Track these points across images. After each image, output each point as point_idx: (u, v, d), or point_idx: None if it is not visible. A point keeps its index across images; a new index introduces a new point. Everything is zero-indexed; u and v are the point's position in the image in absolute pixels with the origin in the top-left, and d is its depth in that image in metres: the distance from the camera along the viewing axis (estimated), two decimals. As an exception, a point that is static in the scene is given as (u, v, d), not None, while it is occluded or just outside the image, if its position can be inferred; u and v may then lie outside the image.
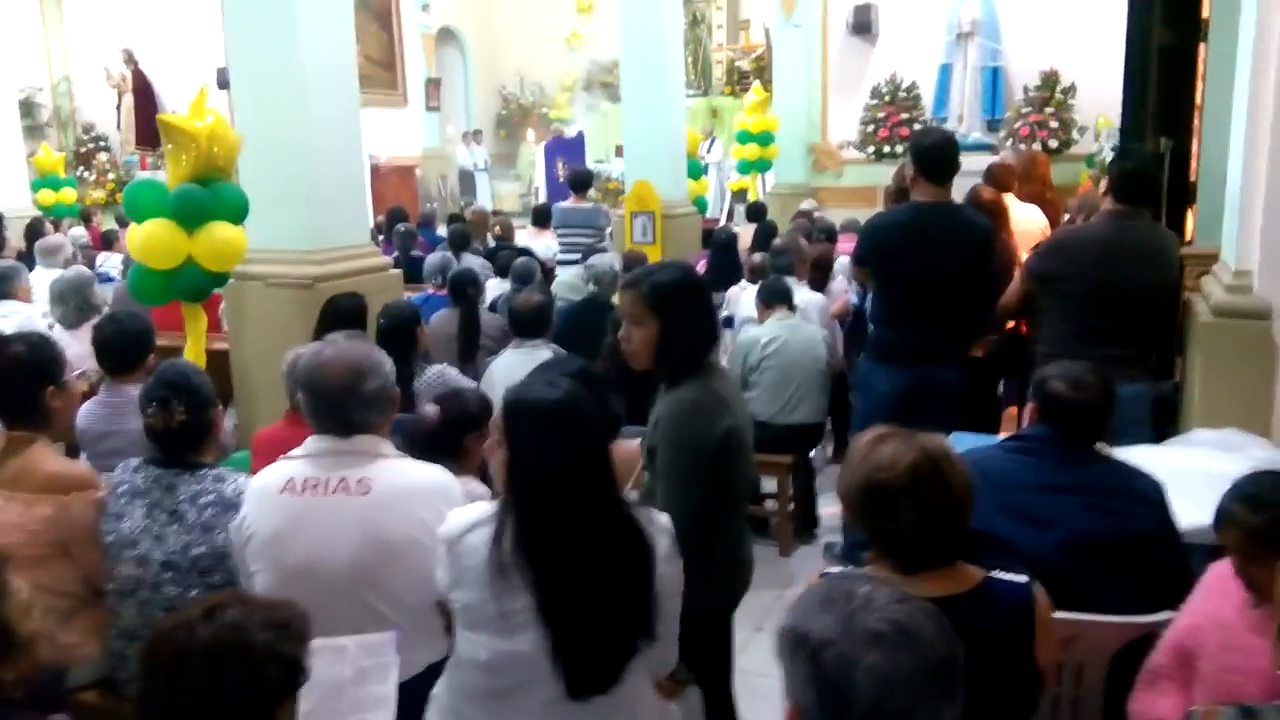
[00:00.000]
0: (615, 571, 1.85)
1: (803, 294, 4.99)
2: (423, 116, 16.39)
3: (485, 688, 1.92)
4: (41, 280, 5.81)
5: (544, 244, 8.11)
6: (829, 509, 4.73)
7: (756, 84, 12.05)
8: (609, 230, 8.13)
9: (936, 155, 3.77)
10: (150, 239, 4.11)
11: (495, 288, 5.92)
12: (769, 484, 4.54)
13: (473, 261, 6.50)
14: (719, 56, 15.49)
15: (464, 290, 5.09)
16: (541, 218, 8.91)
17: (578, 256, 6.87)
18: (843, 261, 5.67)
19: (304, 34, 4.51)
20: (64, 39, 15.34)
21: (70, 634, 2.47)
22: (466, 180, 16.48)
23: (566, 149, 12.76)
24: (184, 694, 1.32)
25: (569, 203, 7.94)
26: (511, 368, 4.08)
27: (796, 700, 1.22)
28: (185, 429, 2.43)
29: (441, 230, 9.34)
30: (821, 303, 5.11)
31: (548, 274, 6.44)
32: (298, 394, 3.02)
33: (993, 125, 11.48)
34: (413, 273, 6.18)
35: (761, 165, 10.98)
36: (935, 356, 3.73)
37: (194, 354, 4.30)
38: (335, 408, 2.22)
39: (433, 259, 6.18)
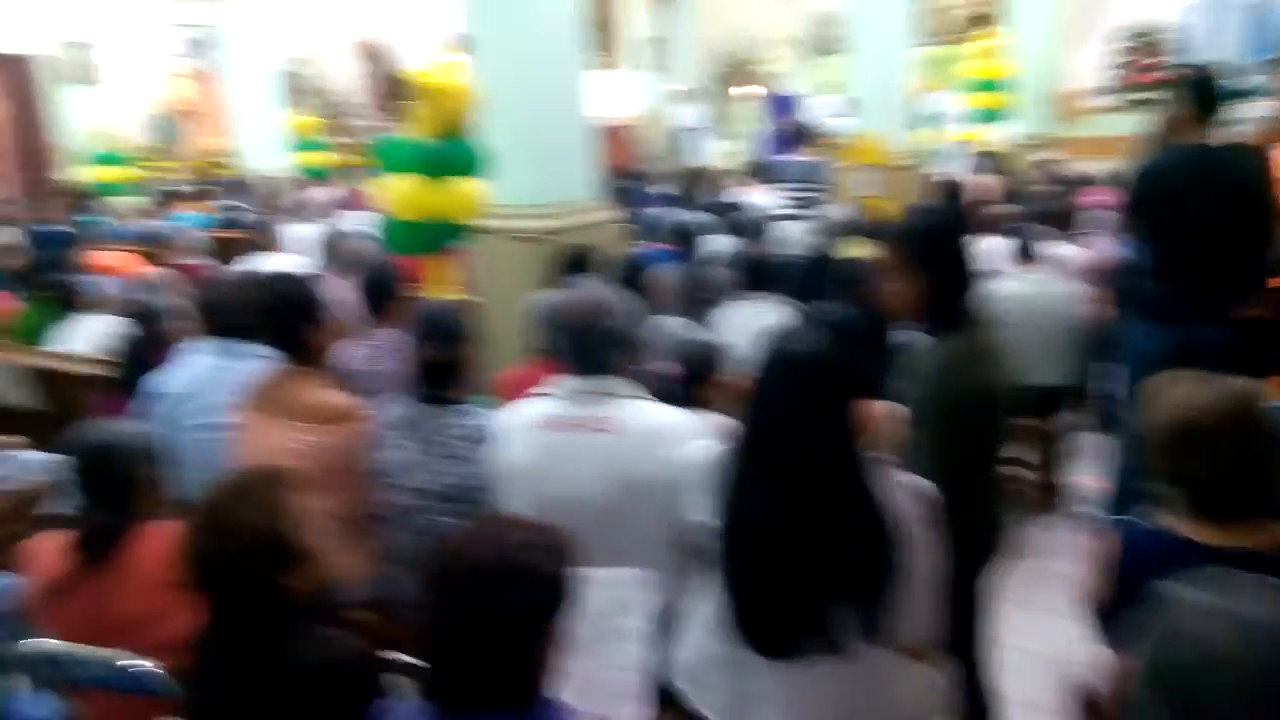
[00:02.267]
0: (813, 532, 1.77)
1: (1055, 247, 4.70)
2: (642, 76, 16.54)
3: (727, 620, 1.92)
4: (300, 234, 6.29)
5: (762, 199, 8.04)
6: (1076, 478, 4.49)
7: (986, 30, 11.40)
8: (830, 183, 7.97)
9: (1211, 93, 3.46)
10: (400, 191, 4.36)
11: (717, 243, 5.92)
12: (1017, 449, 4.32)
13: (694, 216, 6.52)
14: (941, 4, 14.75)
15: (688, 243, 5.13)
16: (759, 172, 8.83)
17: (799, 211, 6.77)
18: (1099, 214, 5.30)
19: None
20: (317, 9, 16.43)
21: (341, 556, 2.67)
22: (685, 139, 16.52)
23: (783, 105, 12.54)
24: (463, 607, 1.40)
25: (790, 156, 7.82)
26: (740, 320, 4.07)
27: None
28: (448, 365, 2.57)
29: (662, 188, 9.44)
30: (1076, 256, 4.80)
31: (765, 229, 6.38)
32: (543, 337, 3.18)
33: (1258, 68, 10.38)
34: (636, 228, 6.27)
35: (992, 115, 10.41)
36: (1208, 313, 3.43)
37: (439, 303, 4.54)
38: (583, 347, 2.28)
39: (655, 214, 6.25)
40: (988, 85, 10.16)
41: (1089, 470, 4.44)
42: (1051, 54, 11.50)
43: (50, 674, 2.23)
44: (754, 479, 1.83)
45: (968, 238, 2.51)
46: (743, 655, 1.89)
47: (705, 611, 2.03)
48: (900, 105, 8.02)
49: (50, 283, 5.10)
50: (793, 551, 1.78)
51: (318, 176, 11.84)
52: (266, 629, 1.71)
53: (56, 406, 4.68)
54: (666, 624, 2.07)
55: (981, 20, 13.43)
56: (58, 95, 13.83)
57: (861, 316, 2.93)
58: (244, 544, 1.68)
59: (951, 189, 6.45)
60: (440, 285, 4.66)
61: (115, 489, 2.16)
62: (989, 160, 8.64)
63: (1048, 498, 4.43)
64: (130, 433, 2.25)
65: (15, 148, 13.62)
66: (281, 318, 2.72)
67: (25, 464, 3.91)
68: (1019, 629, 3.24)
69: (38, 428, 4.64)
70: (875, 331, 2.78)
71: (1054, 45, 11.54)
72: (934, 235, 2.32)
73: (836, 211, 5.08)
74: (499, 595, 1.39)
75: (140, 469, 2.21)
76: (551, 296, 3.31)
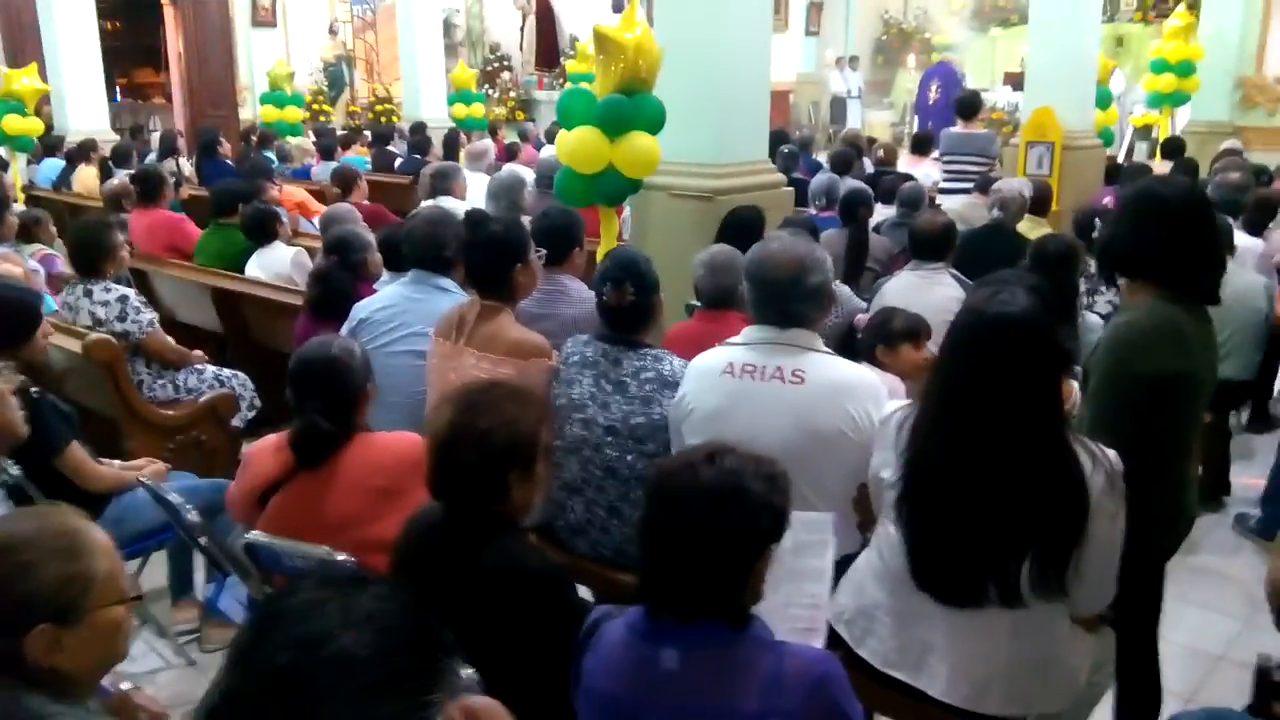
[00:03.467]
0: (1005, 484, 1.81)
1: (1240, 238, 4.50)
2: (801, 41, 16.32)
3: (896, 569, 1.97)
4: (469, 181, 6.50)
5: (923, 171, 7.88)
6: (1242, 478, 4.32)
7: (1181, 9, 10.79)
8: (998, 159, 7.75)
9: None
10: (579, 144, 4.45)
11: (883, 211, 5.85)
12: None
13: (858, 184, 6.45)
14: (1132, -21, 14.07)
15: (855, 211, 5.10)
16: (921, 144, 8.65)
17: (964, 185, 6.62)
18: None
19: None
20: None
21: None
22: (838, 106, 16.26)
23: (945, 75, 12.16)
24: (688, 525, 1.48)
25: (958, 129, 7.62)
26: (907, 289, 4.03)
27: None
28: (634, 308, 2.66)
29: (819, 155, 9.35)
30: (1261, 248, 4.58)
31: (932, 200, 6.27)
32: (721, 288, 3.24)
33: None
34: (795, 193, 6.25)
35: (1177, 99, 9.88)
36: None
37: (605, 255, 4.64)
38: (778, 298, 2.33)
39: (819, 180, 6.21)
40: (1177, 67, 9.62)
41: (1253, 470, 4.28)
42: (1244, 39, 10.85)
43: (262, 567, 2.43)
44: (950, 434, 1.87)
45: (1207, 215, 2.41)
46: (915, 604, 1.94)
47: (871, 560, 2.08)
48: (1081, 82, 7.71)
49: (234, 211, 5.43)
50: (982, 501, 1.83)
51: (475, 128, 12.15)
52: (486, 531, 1.83)
53: (235, 327, 5.02)
54: (839, 570, 2.12)
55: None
56: (241, 36, 14.55)
57: (1050, 289, 2.88)
58: (490, 437, 1.82)
59: (1136, 173, 6.19)
60: (609, 238, 4.76)
61: (335, 399, 2.33)
62: (1174, 143, 8.23)
63: (1213, 495, 4.27)
64: (351, 349, 2.42)
65: (198, 85, 14.42)
66: (490, 256, 2.85)
67: (210, 377, 4.23)
68: (1178, 623, 3.17)
69: (218, 346, 5.01)
70: (1064, 305, 2.74)
71: (1248, 30, 10.87)
72: (1142, 194, 2.30)
73: (1010, 187, 4.95)
74: (723, 514, 1.47)
75: (358, 383, 2.37)
76: (719, 250, 3.37)
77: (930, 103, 12.06)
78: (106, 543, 1.49)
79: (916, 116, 14.75)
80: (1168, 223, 2.24)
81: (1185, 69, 9.66)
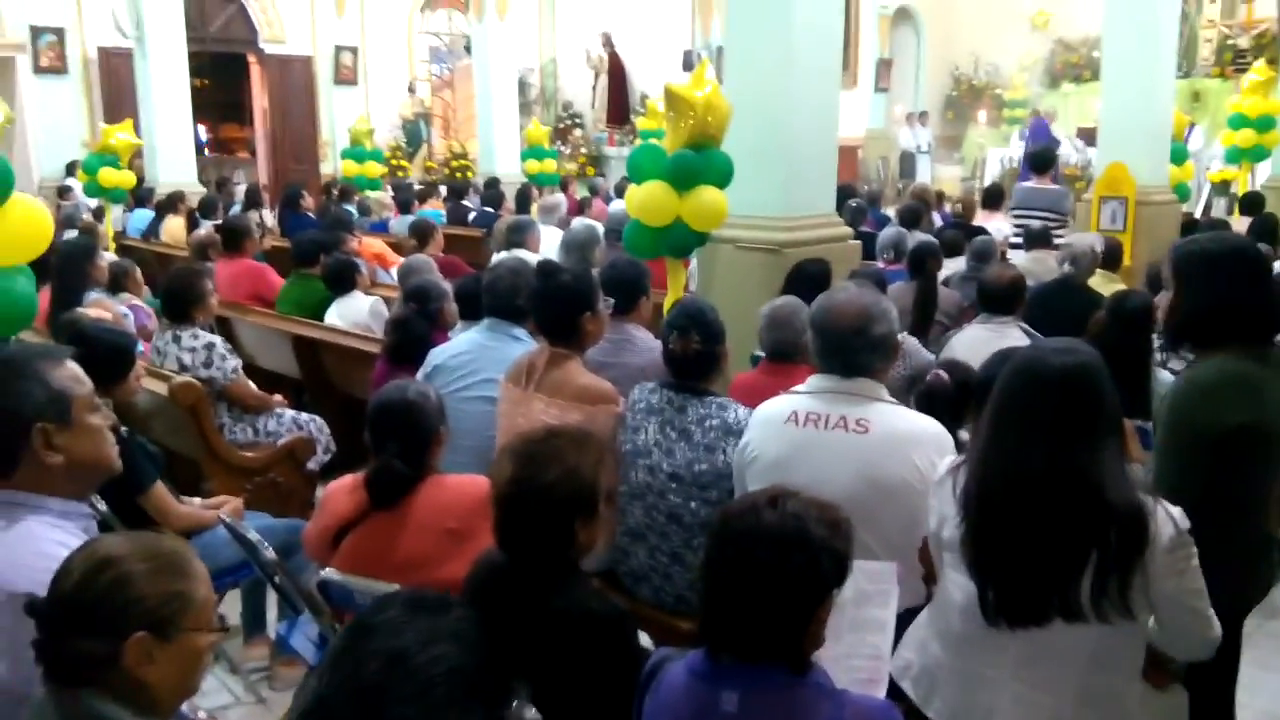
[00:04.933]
0: (1059, 533, 1.80)
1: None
2: (870, 97, 16.42)
3: (959, 631, 1.96)
4: (542, 234, 6.64)
5: (995, 225, 7.83)
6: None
7: (1260, 63, 10.63)
8: (1070, 215, 7.68)
9: None
10: (648, 198, 4.54)
11: (953, 265, 5.84)
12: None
13: (928, 237, 6.44)
14: (1209, 34, 13.92)
15: (923, 263, 5.09)
16: (992, 199, 8.61)
17: (1038, 239, 6.55)
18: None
19: (796, 11, 4.74)
20: (554, 23, 17.25)
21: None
22: (907, 161, 16.27)
23: (1036, 129, 12.08)
24: (750, 567, 1.50)
25: (1031, 183, 7.58)
26: (976, 342, 4.02)
27: None
28: (699, 357, 2.71)
29: (888, 209, 9.36)
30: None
31: (1003, 254, 6.23)
32: (780, 341, 3.27)
33: None
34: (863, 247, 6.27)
35: (1257, 154, 9.70)
36: None
37: (671, 306, 4.70)
38: (842, 348, 2.35)
39: (887, 233, 6.23)
40: (1256, 122, 9.47)
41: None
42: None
43: (335, 605, 2.50)
44: (1008, 469, 1.87)
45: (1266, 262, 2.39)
46: (979, 667, 1.93)
47: (934, 619, 2.07)
48: (1156, 138, 7.63)
49: (315, 262, 5.63)
50: (1044, 523, 1.82)
51: (547, 183, 12.42)
52: (551, 575, 1.87)
53: (314, 373, 5.17)
54: (903, 624, 2.12)
55: (1253, 52, 12.58)
56: (324, 94, 15.12)
57: (1117, 343, 2.86)
58: (553, 490, 1.85)
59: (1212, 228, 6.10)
60: (675, 289, 4.82)
61: (411, 441, 2.41)
62: (1253, 198, 8.08)
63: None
64: (426, 394, 2.50)
65: (281, 140, 14.99)
66: (559, 305, 2.93)
67: (289, 421, 4.36)
68: (1258, 689, 3.07)
69: (296, 392, 5.16)
70: (1139, 362, 2.72)
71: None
72: (1199, 252, 2.25)
73: (1082, 241, 4.91)
74: (786, 557, 1.49)
75: (433, 426, 2.44)
76: (785, 302, 3.41)
77: (1018, 157, 12.02)
78: (205, 571, 1.57)
79: (1000, 169, 14.73)
80: (1223, 279, 2.22)
81: (1265, 124, 9.50)
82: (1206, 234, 2.40)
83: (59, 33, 12.89)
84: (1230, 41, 13.72)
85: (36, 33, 12.75)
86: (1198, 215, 9.44)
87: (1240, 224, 7.03)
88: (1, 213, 3.47)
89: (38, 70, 12.80)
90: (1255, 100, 9.53)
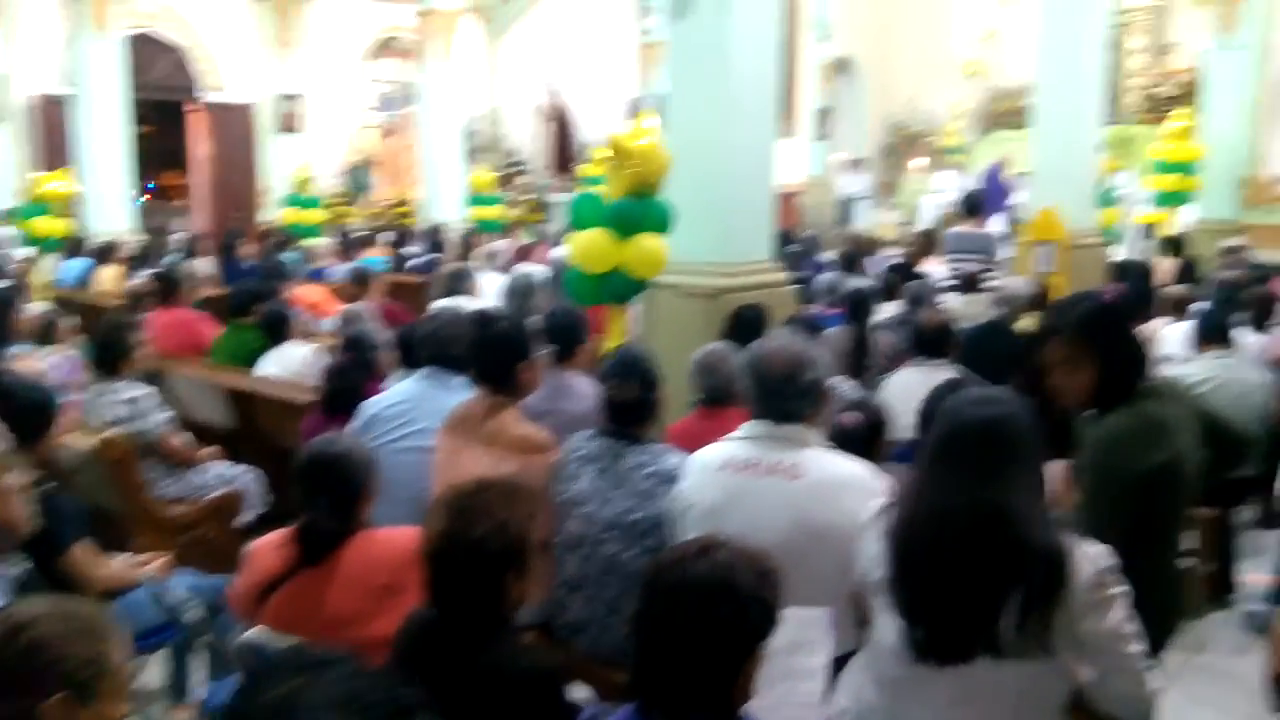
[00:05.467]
0: (981, 571, 1.82)
1: (1242, 335, 4.54)
2: (809, 145, 16.72)
3: (891, 674, 1.96)
4: (483, 281, 6.63)
5: (929, 269, 7.97)
6: (1251, 575, 4.26)
7: (1180, 111, 11.05)
8: (1003, 258, 7.87)
9: None
10: (589, 245, 4.57)
11: (887, 309, 5.92)
12: (1186, 539, 4.15)
13: (864, 282, 6.54)
14: (1134, 82, 14.44)
15: (859, 308, 5.17)
16: (932, 242, 8.79)
17: (972, 282, 6.69)
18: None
19: (735, 62, 4.83)
20: (498, 72, 17.38)
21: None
22: (846, 208, 16.54)
23: (989, 175, 12.29)
24: (678, 620, 1.49)
25: (962, 228, 7.75)
26: (910, 386, 4.07)
27: None
28: (636, 404, 2.71)
29: (827, 254, 9.49)
30: (1262, 345, 4.62)
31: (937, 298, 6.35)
32: (719, 386, 3.28)
33: None
34: (806, 291, 6.35)
35: (1180, 198, 10.05)
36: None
37: (613, 352, 4.71)
38: (774, 395, 2.37)
39: (824, 278, 6.33)
40: (1178, 167, 9.81)
41: (1261, 567, 4.23)
42: (1245, 138, 11.06)
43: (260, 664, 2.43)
44: (935, 517, 1.89)
45: (1140, 320, 2.51)
46: (911, 711, 1.93)
47: (867, 663, 2.08)
48: (1085, 183, 7.86)
49: (250, 312, 5.54)
50: (967, 562, 1.84)
51: (492, 229, 12.42)
52: (482, 632, 1.84)
53: (248, 425, 5.08)
54: (833, 669, 2.12)
55: (1176, 100, 13.05)
56: (265, 141, 15.03)
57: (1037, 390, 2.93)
58: (484, 545, 1.83)
59: (1138, 270, 6.28)
60: (617, 335, 4.84)
61: (340, 496, 2.36)
62: (1174, 241, 8.35)
63: (1221, 593, 4.21)
64: (356, 447, 2.46)
65: (221, 187, 14.84)
66: (496, 353, 2.92)
67: (219, 475, 4.27)
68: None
69: (230, 444, 5.06)
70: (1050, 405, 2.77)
71: (1248, 129, 11.10)
72: (1094, 319, 2.33)
73: (1014, 285, 5.03)
74: (711, 610, 1.48)
75: (362, 480, 2.40)
76: (716, 348, 3.44)
77: (953, 201, 12.21)
78: (124, 639, 1.54)
79: (934, 214, 15.02)
80: (1122, 336, 2.34)
81: (1186, 168, 9.84)
82: (1073, 302, 2.47)
83: (-3, 80, 12.71)
84: (1153, 90, 14.23)
85: (-28, 80, 12.56)
86: (1126, 258, 9.70)
87: (1163, 265, 7.25)
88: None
89: (-27, 118, 12.59)
90: (1177, 146, 9.88)
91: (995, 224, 9.27)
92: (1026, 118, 12.67)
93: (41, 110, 12.96)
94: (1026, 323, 4.89)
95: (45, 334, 5.12)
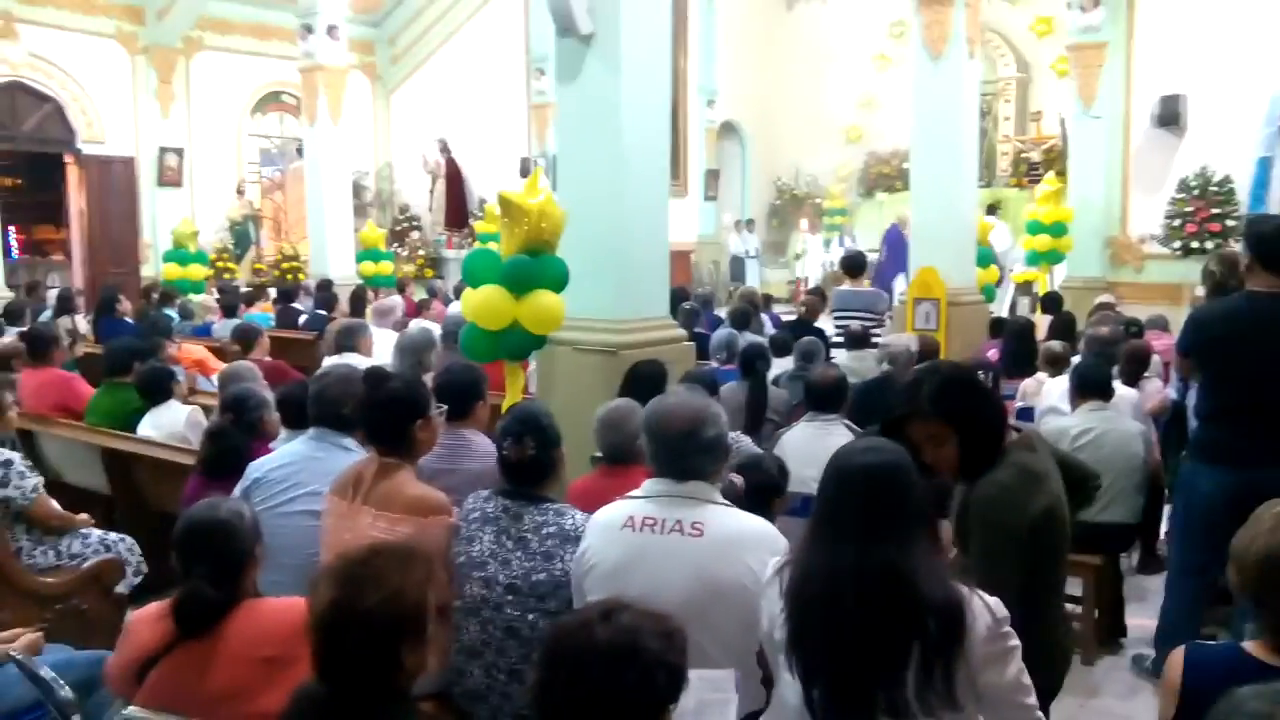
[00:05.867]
0: (877, 630, 1.83)
1: (1117, 388, 4.76)
2: (700, 205, 17.07)
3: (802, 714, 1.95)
4: (376, 338, 6.50)
5: (824, 324, 8.17)
6: (1136, 619, 4.43)
7: (1050, 175, 11.67)
8: (888, 315, 8.11)
9: (1277, 243, 3.56)
10: (484, 302, 4.54)
11: (780, 365, 6.03)
12: (1074, 586, 4.30)
13: (756, 338, 6.66)
14: (1005, 148, 15.23)
15: (754, 364, 5.25)
16: (820, 300, 9.02)
17: (859, 338, 6.87)
18: (1156, 359, 5.38)
19: (626, 124, 4.91)
20: (389, 128, 17.29)
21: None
22: (737, 266, 16.91)
23: (891, 237, 12.70)
24: (582, 688, 1.45)
25: (847, 286, 7.98)
26: (805, 440, 4.15)
27: None
28: (534, 463, 2.67)
29: (720, 311, 9.65)
30: (1135, 397, 4.86)
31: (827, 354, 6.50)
32: (618, 444, 3.27)
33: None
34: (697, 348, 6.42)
35: (1053, 257, 10.56)
36: (1268, 457, 3.45)
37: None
38: (675, 453, 2.37)
39: (719, 335, 6.41)
40: (1050, 228, 10.33)
41: (1147, 611, 4.41)
42: (1109, 200, 11.74)
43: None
44: (827, 569, 1.90)
45: (1024, 374, 2.60)
46: None
47: (771, 719, 2.07)
48: (963, 242, 8.19)
49: (128, 370, 5.31)
50: (864, 621, 1.84)
51: (384, 285, 12.24)
52: (375, 706, 1.76)
53: (126, 488, 4.85)
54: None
55: (1050, 164, 13.79)
56: (146, 195, 14.55)
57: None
58: (376, 615, 1.73)
59: (1020, 326, 6.54)
60: (514, 393, 4.80)
61: (221, 564, 2.25)
62: (1051, 298, 8.75)
63: (1106, 637, 4.36)
64: (240, 512, 2.35)
65: (101, 242, 14.28)
66: (389, 412, 2.85)
67: (94, 542, 4.05)
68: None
69: (105, 509, 4.82)
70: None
71: (1114, 191, 11.79)
72: (947, 390, 2.39)
73: (899, 341, 5.18)
74: (616, 677, 1.45)
75: (246, 547, 2.30)
76: (619, 405, 3.43)
77: (881, 259, 12.63)
78: None
79: (820, 273, 15.49)
80: (984, 401, 2.44)
81: (1058, 229, 10.36)
82: (925, 377, 2.50)
83: None
84: (1024, 155, 15.01)
85: None
86: (1004, 314, 10.12)
87: (1041, 321, 7.59)
88: None
89: None
90: (1049, 208, 10.40)
91: (900, 283, 9.55)
92: (905, 181, 13.29)
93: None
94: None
95: (-99, 395, 4.79)
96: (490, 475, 3.08)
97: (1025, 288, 11.99)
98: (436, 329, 6.23)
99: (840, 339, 7.43)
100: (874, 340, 6.67)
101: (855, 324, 7.08)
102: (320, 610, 1.77)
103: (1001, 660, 1.90)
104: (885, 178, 16.58)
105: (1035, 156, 14.75)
